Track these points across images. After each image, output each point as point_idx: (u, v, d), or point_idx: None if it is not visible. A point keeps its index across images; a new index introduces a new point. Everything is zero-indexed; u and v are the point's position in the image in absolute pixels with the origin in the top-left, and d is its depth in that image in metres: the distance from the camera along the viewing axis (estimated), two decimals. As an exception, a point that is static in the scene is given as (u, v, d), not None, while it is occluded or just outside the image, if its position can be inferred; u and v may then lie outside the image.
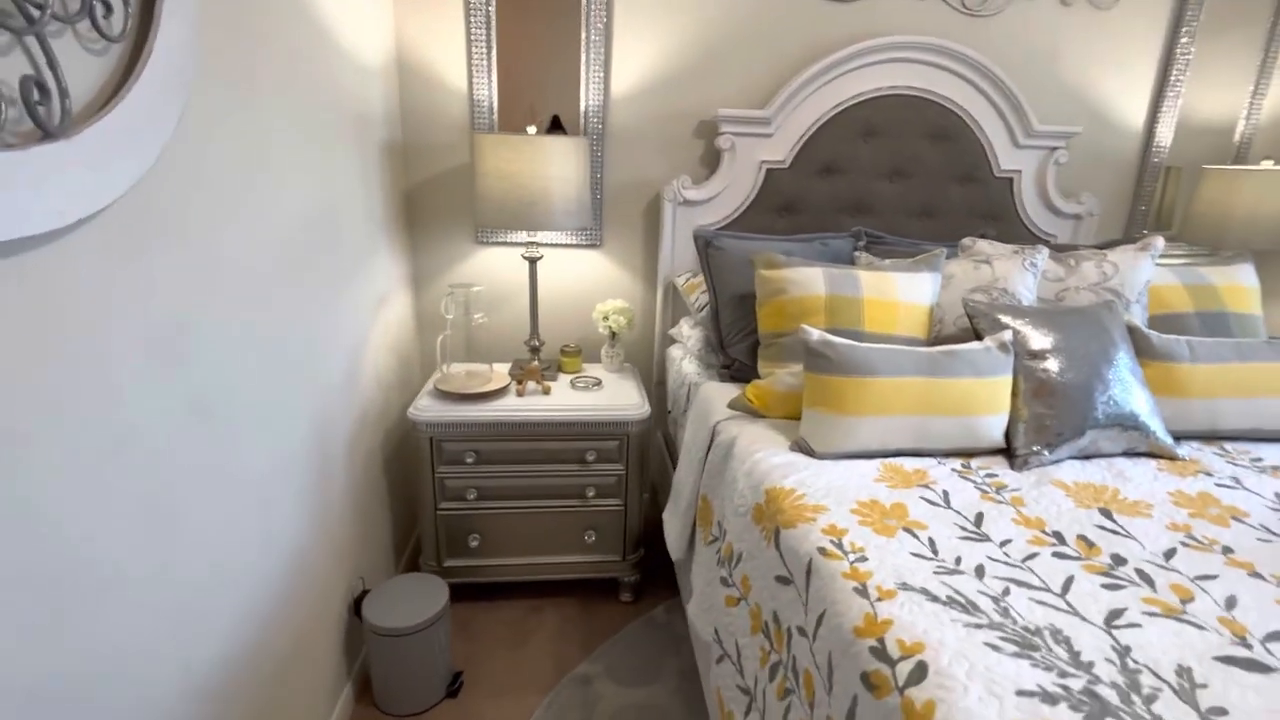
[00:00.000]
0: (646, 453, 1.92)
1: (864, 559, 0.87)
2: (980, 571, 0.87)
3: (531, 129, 1.73)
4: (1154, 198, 2.25)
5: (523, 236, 2.01)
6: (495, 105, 1.89)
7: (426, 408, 1.66)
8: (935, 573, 0.86)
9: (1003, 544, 0.95)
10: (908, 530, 0.96)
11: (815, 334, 1.21)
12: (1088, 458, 1.24)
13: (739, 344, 1.56)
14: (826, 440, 1.18)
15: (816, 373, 1.19)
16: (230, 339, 1.00)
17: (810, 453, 1.19)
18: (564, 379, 1.90)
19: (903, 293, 1.36)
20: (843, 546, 0.90)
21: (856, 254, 1.69)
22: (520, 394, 1.75)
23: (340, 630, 1.47)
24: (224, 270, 0.98)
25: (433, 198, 1.97)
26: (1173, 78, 2.13)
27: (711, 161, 2.02)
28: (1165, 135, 2.19)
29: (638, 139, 1.99)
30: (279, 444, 1.17)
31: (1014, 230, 2.12)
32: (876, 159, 1.99)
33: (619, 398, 1.77)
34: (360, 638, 1.58)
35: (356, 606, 1.49)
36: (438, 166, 1.95)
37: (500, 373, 1.85)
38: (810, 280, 1.37)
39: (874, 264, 1.54)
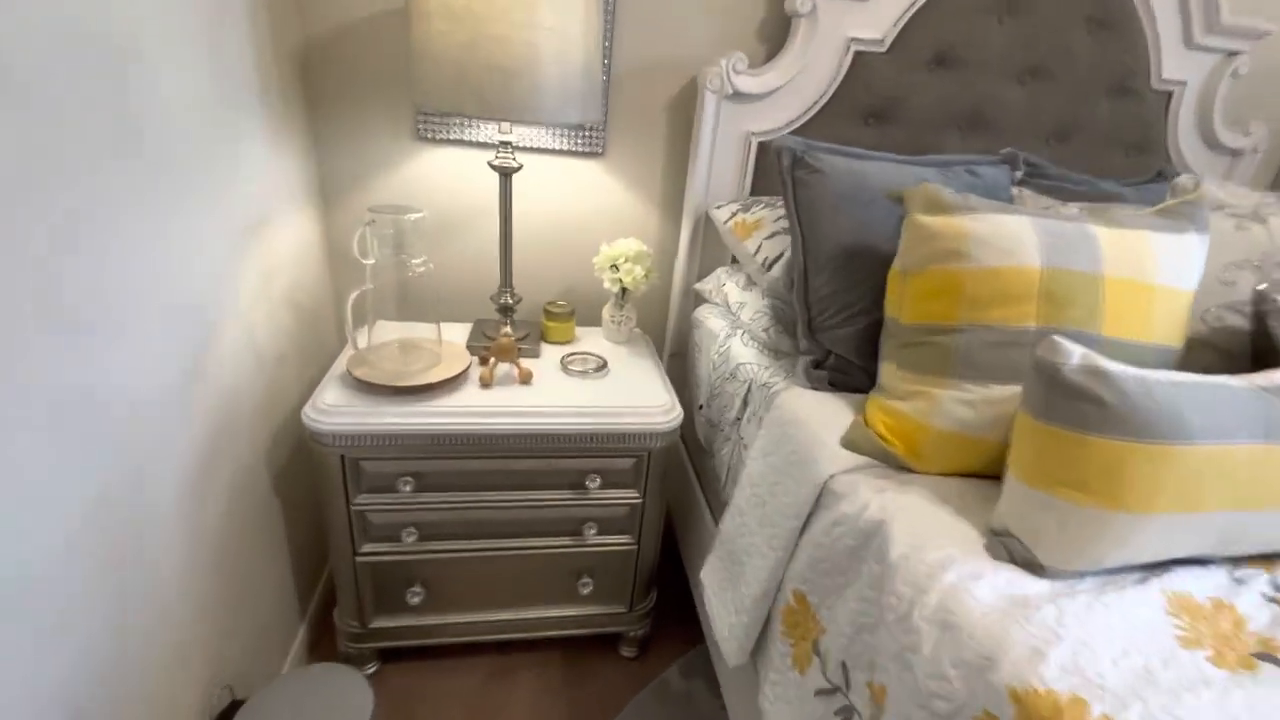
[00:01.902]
0: (670, 471, 1.37)
1: None
2: None
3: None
4: (1329, 131, 1.72)
5: (491, 133, 1.33)
6: (447, -91, 1.15)
7: (334, 408, 1.03)
8: None
9: None
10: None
11: (1076, 353, 0.64)
12: None
13: (840, 329, 0.98)
14: (1075, 550, 0.64)
15: (1072, 429, 0.63)
16: None
17: (1037, 568, 0.65)
18: (549, 354, 1.29)
19: (1163, 269, 0.79)
20: None
21: (1015, 190, 1.11)
22: (486, 383, 1.14)
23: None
24: None
25: (349, 61, 1.25)
26: (1394, -39, 1.55)
27: (774, 37, 1.36)
28: (1363, 45, 1.63)
29: (669, -10, 1.30)
30: (20, 527, 0.55)
31: (1156, 166, 1.56)
32: (1010, 48, 1.37)
33: (636, 391, 1.18)
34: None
35: (219, 732, 0.93)
36: (355, 8, 1.22)
37: (454, 346, 1.22)
38: (1016, 240, 0.78)
39: (1058, 210, 0.96)
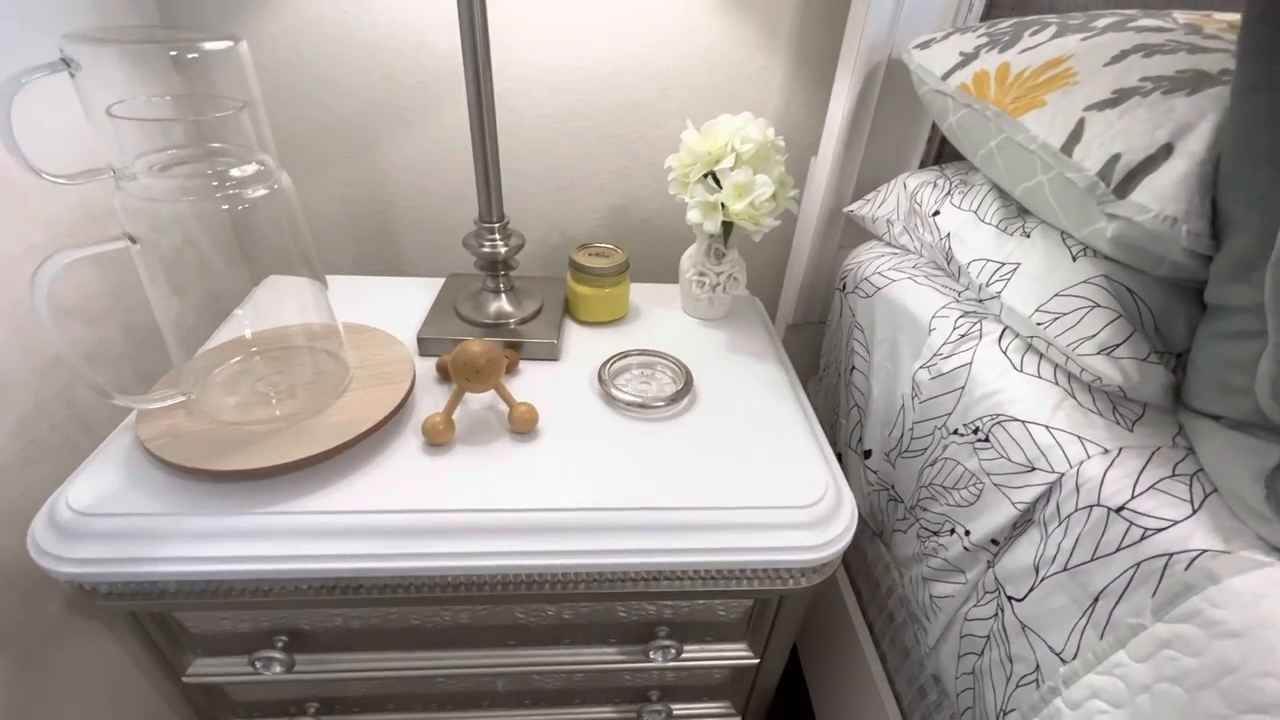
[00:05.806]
0: (815, 612, 0.77)
1: None
2: None
3: None
4: None
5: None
6: None
7: (90, 520, 0.46)
8: None
9: None
10: None
11: None
12: None
13: None
14: None
15: None
16: None
17: None
18: (579, 352, 0.66)
19: None
20: None
21: None
22: (437, 440, 0.54)
23: None
24: None
25: None
26: None
27: None
28: None
29: None
30: None
31: None
32: None
33: (755, 456, 0.55)
34: None
35: None
36: None
37: (384, 344, 0.61)
38: None
39: None
